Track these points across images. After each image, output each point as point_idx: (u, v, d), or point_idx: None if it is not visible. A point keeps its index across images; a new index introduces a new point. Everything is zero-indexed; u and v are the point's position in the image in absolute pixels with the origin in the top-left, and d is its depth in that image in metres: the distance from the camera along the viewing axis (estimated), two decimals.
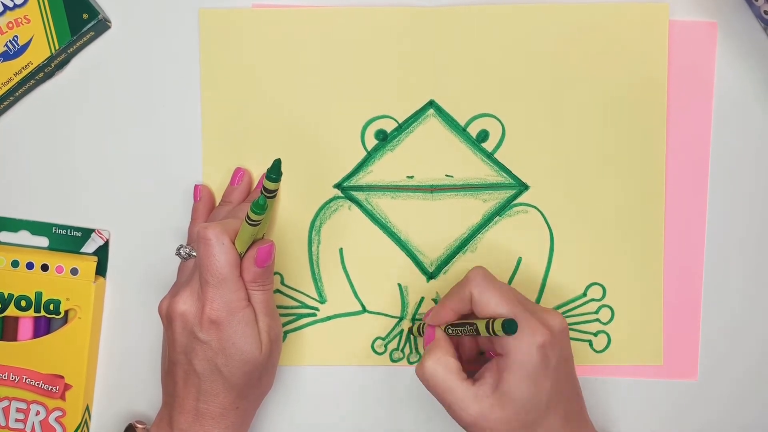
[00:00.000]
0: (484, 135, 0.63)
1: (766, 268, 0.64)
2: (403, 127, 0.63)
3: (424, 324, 0.61)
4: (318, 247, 0.64)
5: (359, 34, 0.62)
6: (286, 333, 0.64)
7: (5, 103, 0.62)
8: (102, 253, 0.64)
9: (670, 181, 0.63)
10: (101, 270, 0.64)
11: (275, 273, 0.64)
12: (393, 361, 0.65)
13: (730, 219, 0.64)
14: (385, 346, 0.65)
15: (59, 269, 0.62)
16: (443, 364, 0.56)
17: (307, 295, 0.64)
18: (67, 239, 0.64)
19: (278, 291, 0.64)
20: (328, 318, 0.64)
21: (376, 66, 0.62)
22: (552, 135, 0.63)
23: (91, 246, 0.64)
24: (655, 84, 0.62)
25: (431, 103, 0.63)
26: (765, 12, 0.60)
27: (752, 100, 0.63)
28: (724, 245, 0.64)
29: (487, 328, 0.54)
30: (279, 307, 0.64)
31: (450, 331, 0.58)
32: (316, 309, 0.64)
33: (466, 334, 0.56)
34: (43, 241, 0.64)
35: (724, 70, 0.63)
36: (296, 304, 0.64)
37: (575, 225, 0.64)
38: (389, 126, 0.63)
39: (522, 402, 0.54)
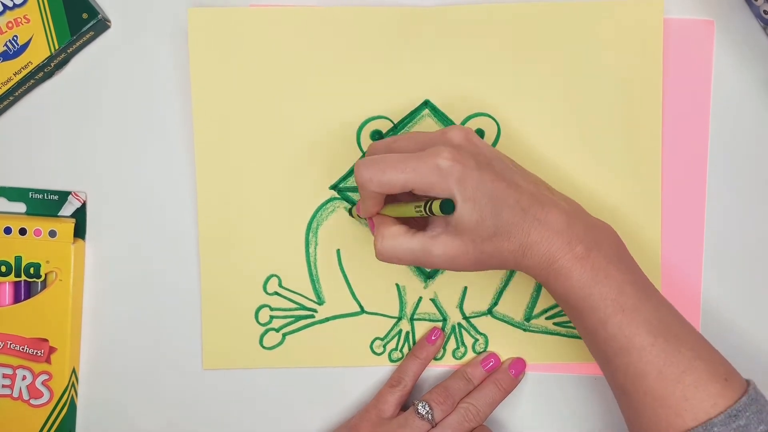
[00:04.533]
0: (479, 134, 0.63)
1: (765, 266, 0.64)
2: (398, 128, 0.63)
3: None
4: (315, 248, 0.64)
5: (354, 34, 0.63)
6: (284, 335, 0.64)
7: (5, 103, 0.62)
8: (80, 215, 0.64)
9: (668, 179, 0.63)
10: (80, 232, 0.64)
11: (274, 275, 0.64)
12: (392, 361, 0.64)
13: (728, 217, 0.64)
14: (384, 346, 0.64)
15: (37, 232, 0.62)
16: (391, 233, 0.55)
17: (305, 297, 0.64)
18: (45, 203, 0.64)
19: (276, 293, 0.64)
20: (327, 319, 0.64)
21: (371, 66, 0.63)
22: (547, 133, 0.63)
23: (68, 209, 0.64)
24: (650, 80, 0.63)
25: (426, 103, 0.63)
26: (765, 12, 0.61)
27: (751, 99, 0.63)
28: (723, 242, 0.64)
29: (426, 211, 0.53)
30: (277, 309, 0.64)
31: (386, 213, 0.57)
32: (315, 311, 0.64)
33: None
34: (21, 207, 0.64)
35: (722, 69, 0.63)
36: (294, 306, 0.64)
37: None
38: (385, 126, 0.63)
39: (471, 218, 0.53)
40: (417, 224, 0.56)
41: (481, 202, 0.53)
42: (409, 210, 0.55)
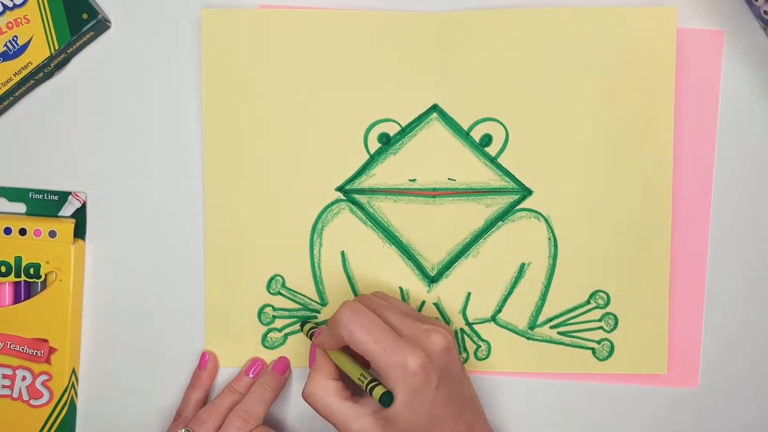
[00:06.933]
0: (487, 139, 0.63)
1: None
2: (406, 131, 0.63)
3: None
4: (320, 249, 0.63)
5: (364, 37, 0.62)
6: (286, 335, 0.64)
7: (5, 103, 0.62)
8: (80, 215, 0.64)
9: (675, 188, 0.63)
10: (80, 233, 0.64)
11: (278, 275, 0.63)
12: None
13: (734, 228, 0.63)
14: None
15: (37, 233, 0.62)
16: (322, 387, 0.57)
17: (309, 298, 0.64)
18: (45, 203, 0.64)
19: (280, 294, 0.64)
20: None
21: (381, 70, 0.62)
22: (556, 140, 0.62)
23: (68, 209, 0.64)
24: (662, 89, 0.62)
25: (435, 107, 0.62)
26: (765, 12, 0.60)
27: (757, 110, 0.63)
28: (728, 253, 0.64)
29: (367, 388, 0.55)
30: (280, 309, 0.64)
31: (334, 359, 0.59)
32: (318, 311, 0.64)
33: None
34: (21, 207, 0.64)
35: (730, 79, 0.63)
36: (297, 306, 0.64)
37: (580, 231, 0.63)
38: (392, 129, 0.63)
39: (402, 423, 0.55)
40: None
41: (419, 415, 0.55)
42: (354, 373, 0.57)
